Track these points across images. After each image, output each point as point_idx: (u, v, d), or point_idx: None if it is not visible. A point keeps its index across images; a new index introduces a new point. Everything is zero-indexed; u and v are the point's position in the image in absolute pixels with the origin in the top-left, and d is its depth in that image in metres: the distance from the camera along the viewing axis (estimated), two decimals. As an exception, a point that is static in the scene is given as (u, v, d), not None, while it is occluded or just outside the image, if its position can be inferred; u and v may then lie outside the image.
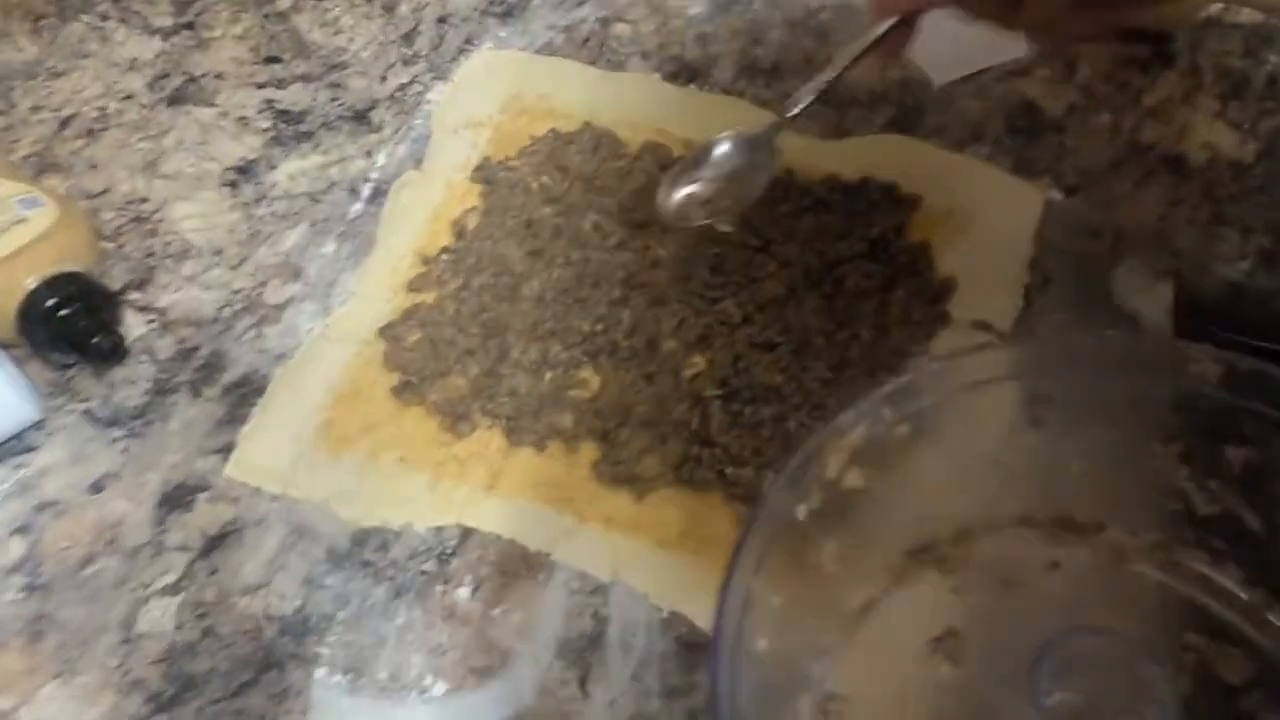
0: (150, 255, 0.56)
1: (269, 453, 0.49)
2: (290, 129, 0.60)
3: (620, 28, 0.63)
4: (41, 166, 0.59)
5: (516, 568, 0.45)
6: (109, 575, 0.46)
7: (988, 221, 0.52)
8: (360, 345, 0.52)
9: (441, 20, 0.64)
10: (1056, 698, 0.35)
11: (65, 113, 0.62)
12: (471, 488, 0.47)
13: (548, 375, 0.50)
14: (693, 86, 0.60)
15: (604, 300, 0.51)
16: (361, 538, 0.46)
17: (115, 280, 0.54)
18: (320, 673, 0.43)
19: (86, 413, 0.50)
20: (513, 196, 0.56)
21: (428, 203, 0.56)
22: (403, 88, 0.62)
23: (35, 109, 0.62)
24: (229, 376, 0.51)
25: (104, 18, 0.66)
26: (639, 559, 0.45)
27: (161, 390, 0.51)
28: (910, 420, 0.38)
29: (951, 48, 0.59)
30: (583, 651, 0.43)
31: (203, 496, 0.48)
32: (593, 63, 0.62)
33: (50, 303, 0.49)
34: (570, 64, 0.62)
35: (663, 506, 0.46)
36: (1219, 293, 0.52)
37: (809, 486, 0.37)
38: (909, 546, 0.40)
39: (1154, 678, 0.35)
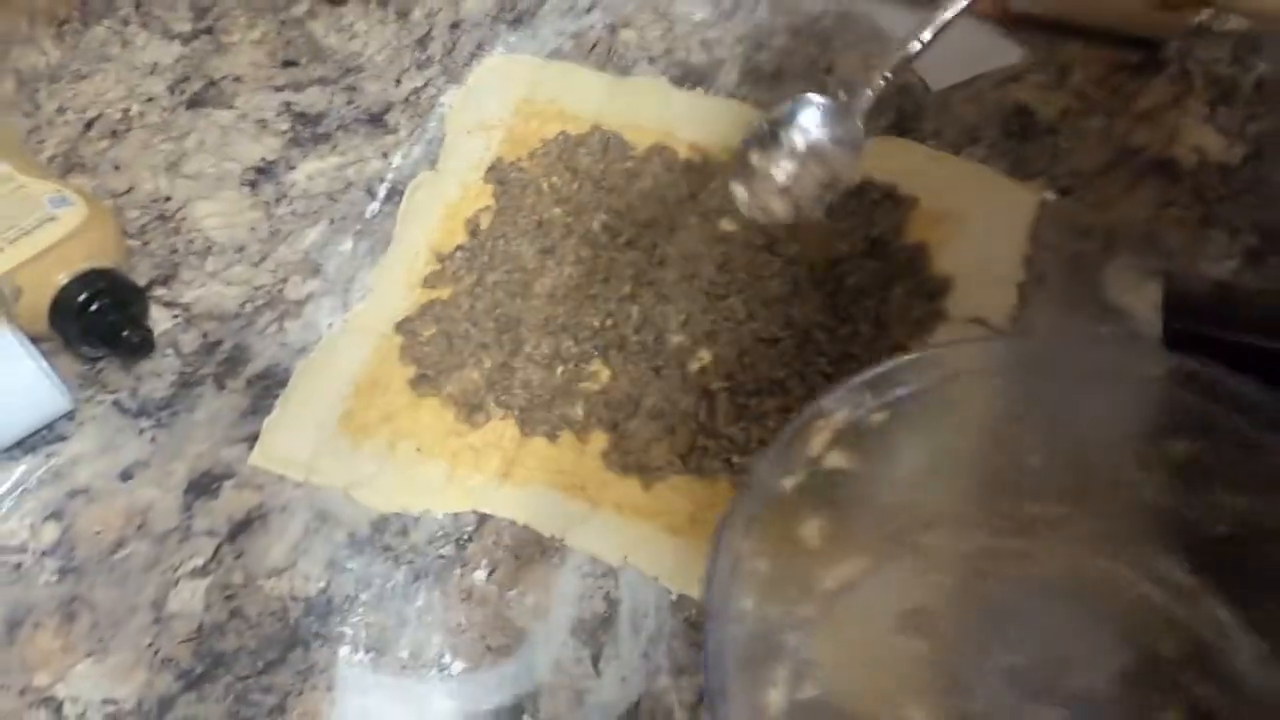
0: (174, 252, 0.58)
1: (292, 442, 0.50)
2: (308, 131, 0.62)
3: (627, 34, 0.65)
4: (67, 167, 0.61)
5: (531, 552, 0.47)
6: (139, 559, 0.48)
7: (984, 222, 0.54)
8: (378, 339, 0.54)
9: (454, 26, 0.66)
10: (1015, 659, 0.36)
11: (89, 114, 0.64)
12: (487, 476, 0.49)
13: (559, 368, 0.52)
14: (698, 90, 0.62)
15: (613, 296, 0.53)
16: (382, 523, 0.48)
17: (141, 276, 0.56)
18: (344, 651, 0.45)
19: (115, 404, 0.52)
20: (524, 196, 0.58)
21: (442, 202, 0.58)
22: (417, 91, 0.64)
23: (60, 111, 0.64)
24: (252, 369, 0.53)
25: (125, 23, 0.68)
26: (648, 544, 0.46)
27: (187, 383, 0.53)
28: (889, 407, 0.39)
29: (948, 54, 0.61)
30: (595, 631, 0.44)
31: (229, 484, 0.49)
32: (601, 68, 0.64)
33: (81, 298, 0.51)
34: (579, 69, 0.64)
35: (671, 494, 0.48)
36: (1207, 291, 0.54)
37: (794, 462, 0.38)
38: (886, 530, 0.41)
39: (1101, 647, 0.37)
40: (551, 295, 0.54)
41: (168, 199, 0.60)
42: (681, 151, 0.59)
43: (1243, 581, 0.38)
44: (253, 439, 0.51)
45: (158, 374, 0.53)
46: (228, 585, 0.47)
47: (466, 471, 0.49)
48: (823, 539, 0.39)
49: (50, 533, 0.49)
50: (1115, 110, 0.59)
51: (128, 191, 0.60)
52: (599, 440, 0.50)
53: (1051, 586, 0.40)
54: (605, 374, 0.51)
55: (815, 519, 0.39)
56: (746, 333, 0.51)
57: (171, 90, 0.65)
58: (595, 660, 0.44)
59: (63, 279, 0.51)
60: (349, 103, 0.63)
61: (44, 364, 0.50)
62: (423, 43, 0.66)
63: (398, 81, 0.64)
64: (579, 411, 0.50)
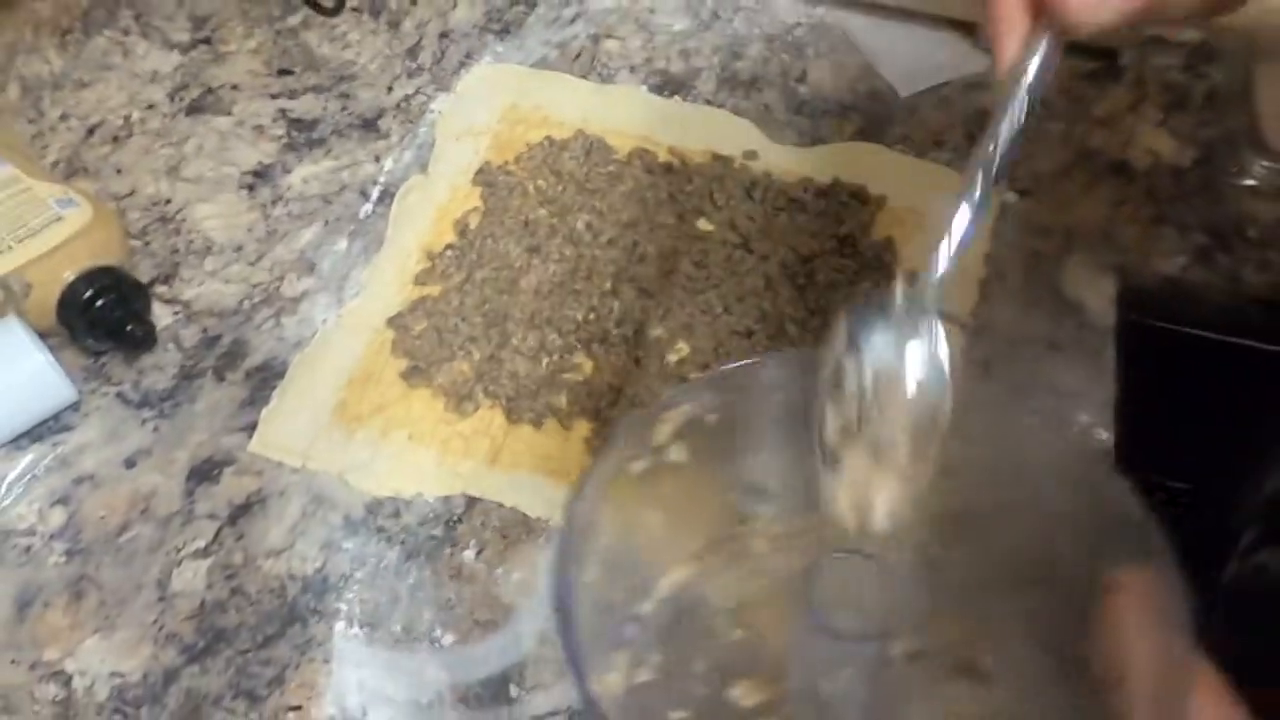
0: (175, 252, 0.60)
1: (289, 430, 0.53)
2: (303, 136, 0.65)
3: (609, 44, 0.68)
4: (70, 171, 0.64)
5: (517, 532, 0.49)
6: (144, 541, 0.50)
7: (941, 219, 0.57)
8: (371, 334, 0.56)
9: (443, 36, 0.69)
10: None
11: (92, 121, 0.66)
12: (475, 461, 0.51)
13: (545, 360, 0.54)
14: (677, 98, 0.65)
15: (596, 292, 0.56)
16: (375, 506, 0.50)
17: (142, 275, 0.58)
18: (340, 626, 0.47)
19: (119, 395, 0.55)
20: (511, 198, 0.60)
21: (432, 204, 0.61)
22: (407, 98, 0.66)
23: (64, 117, 0.67)
24: (250, 362, 0.55)
25: (125, 33, 0.71)
26: (629, 524, 0.49)
27: (188, 375, 0.55)
28: (719, 410, 0.38)
29: (916, 61, 0.65)
30: (578, 606, 0.47)
31: (229, 470, 0.52)
32: (584, 76, 0.66)
33: (87, 294, 0.53)
34: (563, 77, 0.66)
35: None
36: (1158, 286, 0.57)
37: (644, 445, 0.37)
38: (720, 529, 0.40)
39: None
40: (537, 291, 0.56)
41: (168, 201, 0.62)
42: (661, 155, 0.61)
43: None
44: (251, 428, 0.53)
45: (159, 367, 0.55)
46: (228, 565, 0.49)
47: (456, 458, 0.52)
48: (662, 529, 0.39)
49: (58, 517, 0.51)
50: (1074, 115, 0.62)
51: (129, 194, 0.63)
52: (583, 427, 0.52)
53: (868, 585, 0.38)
54: (588, 365, 0.54)
55: (657, 507, 0.39)
56: (722, 325, 0.54)
57: (171, 97, 0.67)
58: (578, 632, 0.46)
59: (69, 276, 0.54)
60: (342, 109, 0.66)
61: (51, 357, 0.52)
62: (413, 52, 0.68)
63: (389, 89, 0.67)
64: (563, 400, 0.53)
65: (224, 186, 0.63)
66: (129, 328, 0.54)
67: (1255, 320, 0.57)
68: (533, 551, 0.49)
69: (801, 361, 0.39)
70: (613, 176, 0.61)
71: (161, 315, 0.57)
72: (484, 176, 0.61)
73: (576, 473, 0.51)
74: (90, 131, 0.66)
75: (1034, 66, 0.35)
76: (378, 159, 0.63)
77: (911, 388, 0.34)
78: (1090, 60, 0.64)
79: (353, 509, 0.50)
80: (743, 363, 0.39)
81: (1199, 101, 0.63)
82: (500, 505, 0.50)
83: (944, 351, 0.34)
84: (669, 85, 0.66)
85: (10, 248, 0.53)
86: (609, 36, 0.68)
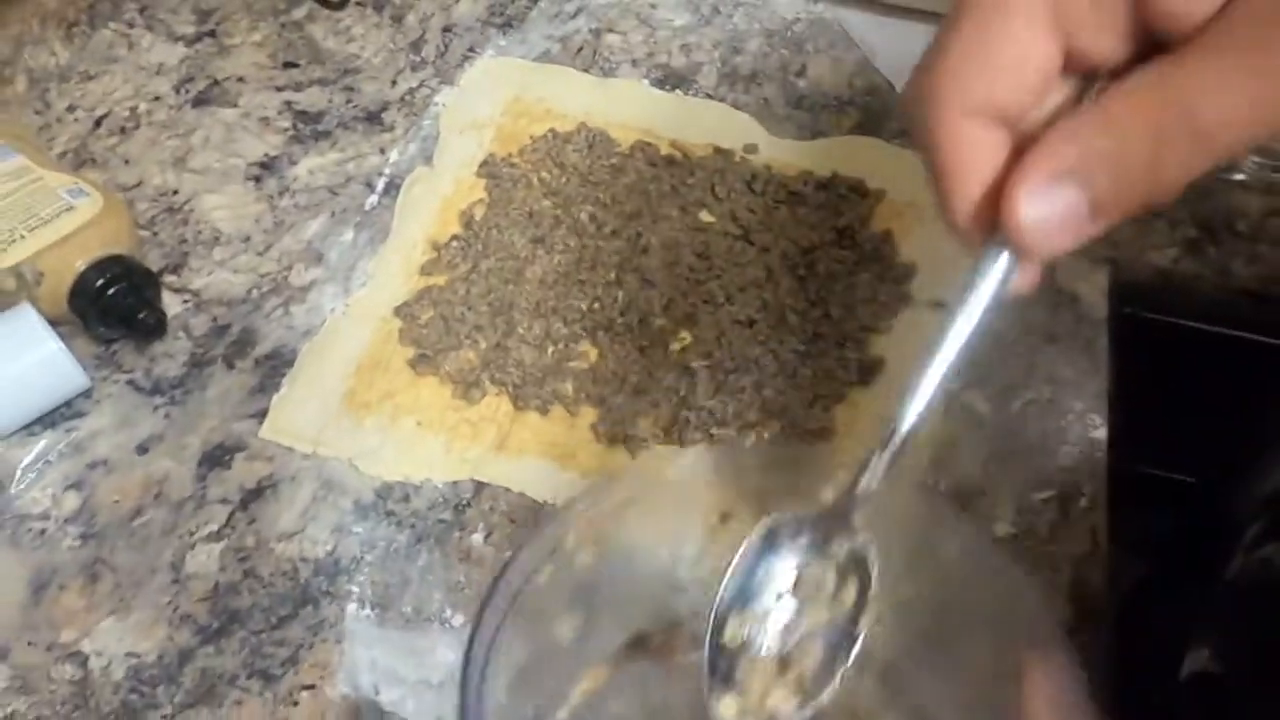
0: (183, 242, 0.61)
1: (299, 417, 0.54)
2: (309, 128, 0.66)
3: (611, 38, 0.69)
4: (78, 162, 0.64)
5: (525, 516, 0.50)
6: (157, 525, 0.51)
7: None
8: (379, 322, 0.57)
9: (446, 30, 0.70)
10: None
11: (98, 112, 0.67)
12: (483, 447, 0.52)
13: (550, 348, 0.55)
14: (678, 92, 0.66)
15: (600, 282, 0.57)
16: (385, 491, 0.51)
17: (152, 264, 0.59)
18: (351, 607, 0.48)
19: (130, 383, 0.55)
20: (515, 190, 0.61)
21: (437, 195, 0.62)
22: (411, 92, 0.67)
23: (70, 109, 0.67)
24: (260, 350, 0.56)
25: (131, 25, 0.71)
26: (634, 508, 0.50)
27: (198, 363, 0.56)
28: (622, 506, 0.38)
29: (913, 57, 0.65)
30: (585, 588, 0.48)
31: (240, 455, 0.53)
32: (586, 70, 0.67)
33: (99, 283, 0.54)
34: (566, 71, 0.67)
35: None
36: (1150, 278, 0.58)
37: (551, 552, 0.37)
38: (630, 633, 0.40)
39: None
40: (542, 281, 0.57)
41: (175, 192, 0.63)
42: (662, 148, 0.62)
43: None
44: (262, 415, 0.54)
45: (170, 355, 0.56)
46: (241, 548, 0.50)
47: (464, 444, 0.52)
48: (574, 636, 0.38)
49: (71, 501, 0.52)
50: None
51: (137, 185, 0.63)
52: (588, 414, 0.53)
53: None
54: (593, 353, 0.55)
55: (568, 615, 0.38)
56: (724, 315, 0.55)
57: (177, 90, 0.68)
58: (586, 614, 0.47)
59: (81, 265, 0.54)
60: (347, 102, 0.67)
61: (63, 344, 0.53)
62: (416, 46, 0.69)
63: (393, 82, 0.68)
64: (569, 388, 0.54)
65: (231, 178, 0.64)
66: (141, 315, 0.54)
67: (1245, 312, 0.58)
68: (540, 535, 0.50)
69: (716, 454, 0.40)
70: (615, 169, 0.62)
71: (171, 304, 0.58)
72: (488, 169, 0.62)
73: (583, 458, 0.52)
74: (97, 123, 0.67)
75: (990, 282, 0.29)
76: (383, 151, 0.64)
77: (833, 600, 0.33)
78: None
79: (363, 494, 0.51)
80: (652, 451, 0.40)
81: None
82: (508, 490, 0.51)
83: (871, 563, 0.33)
84: (670, 79, 0.67)
85: (22, 237, 0.54)
86: (610, 31, 0.69)
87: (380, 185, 0.63)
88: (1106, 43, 0.27)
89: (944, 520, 0.39)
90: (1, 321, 0.52)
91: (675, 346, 0.55)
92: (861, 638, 0.33)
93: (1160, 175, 0.26)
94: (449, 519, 0.50)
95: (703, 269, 0.57)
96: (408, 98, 0.67)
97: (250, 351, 0.56)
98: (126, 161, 0.65)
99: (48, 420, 0.54)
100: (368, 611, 0.48)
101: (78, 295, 0.54)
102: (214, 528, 0.51)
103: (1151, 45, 0.27)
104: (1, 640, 0.48)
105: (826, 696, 0.33)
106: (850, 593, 0.33)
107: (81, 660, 0.47)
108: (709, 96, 0.65)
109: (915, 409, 0.31)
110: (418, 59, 0.69)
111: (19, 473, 0.52)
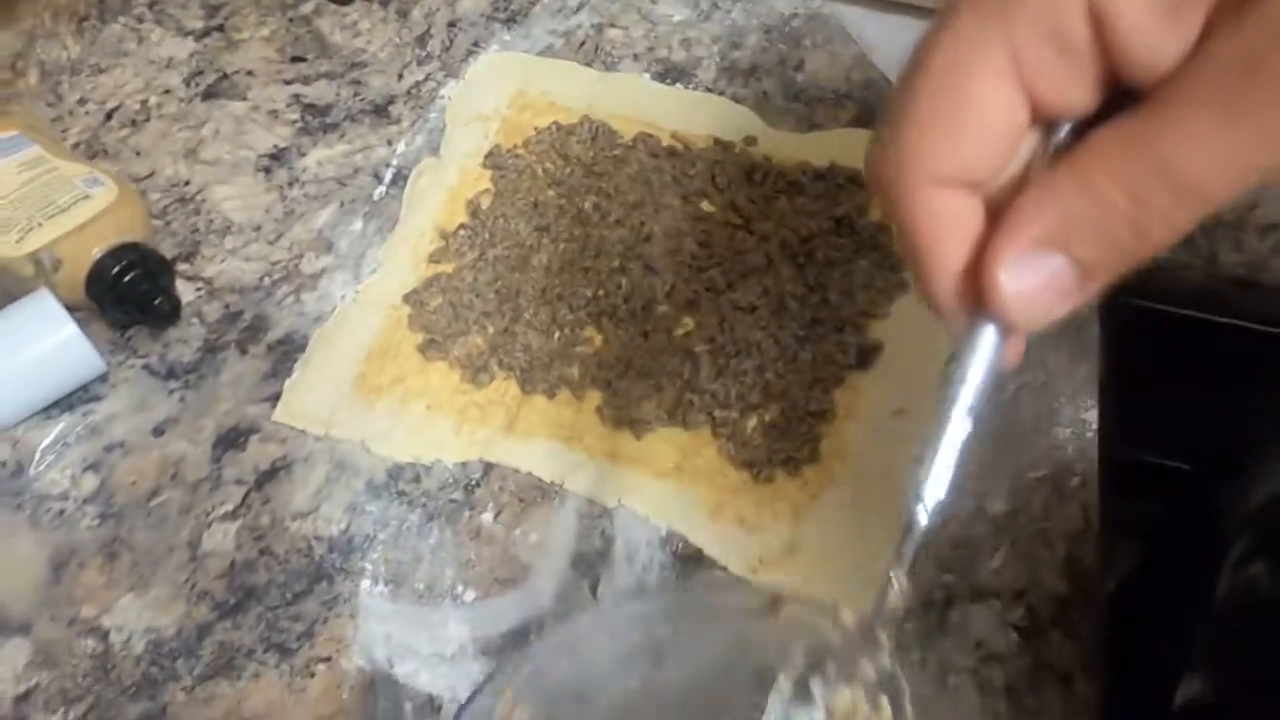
0: (195, 231, 0.62)
1: (311, 400, 0.55)
2: (317, 121, 0.67)
3: (613, 33, 0.70)
4: (90, 153, 0.66)
5: (533, 496, 0.52)
6: (174, 504, 0.52)
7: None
8: (388, 309, 0.58)
9: (451, 25, 0.71)
10: None
11: (109, 105, 0.68)
12: (492, 430, 0.54)
13: (556, 334, 0.57)
14: (678, 86, 0.67)
15: (604, 269, 0.58)
16: (396, 472, 0.53)
17: (165, 253, 0.60)
18: (365, 584, 0.49)
19: (145, 367, 0.57)
20: (521, 180, 0.62)
21: (444, 186, 0.63)
22: (418, 85, 0.69)
23: (81, 101, 0.68)
24: (272, 336, 0.58)
25: (140, 20, 0.73)
26: (640, 487, 0.51)
27: (211, 348, 0.57)
28: (565, 664, 0.38)
29: (909, 52, 0.67)
30: (592, 564, 0.49)
31: (254, 438, 0.54)
32: (588, 64, 0.69)
33: (115, 269, 0.55)
34: (569, 65, 0.69)
35: (659, 444, 0.53)
36: (1140, 266, 0.60)
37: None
38: None
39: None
40: (548, 268, 0.59)
41: (187, 183, 0.64)
42: (664, 140, 0.64)
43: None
44: (274, 399, 0.55)
45: (184, 341, 0.58)
46: (256, 527, 0.51)
47: (473, 426, 0.54)
48: None
49: (89, 482, 0.53)
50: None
51: (149, 176, 0.65)
52: (594, 398, 0.54)
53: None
54: (598, 338, 0.56)
55: None
56: (726, 301, 0.57)
57: (187, 83, 0.69)
58: (594, 588, 0.49)
59: (97, 252, 0.56)
60: (355, 95, 0.68)
61: (80, 328, 0.54)
62: (422, 40, 0.71)
63: (399, 76, 0.69)
64: (575, 372, 0.55)
65: (241, 169, 0.65)
66: (156, 301, 0.56)
67: (1231, 298, 0.60)
68: (548, 514, 0.51)
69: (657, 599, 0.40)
70: (618, 160, 0.63)
71: (184, 291, 0.59)
72: (494, 160, 0.64)
73: (589, 440, 0.53)
74: (108, 116, 0.68)
75: (981, 361, 0.28)
76: (390, 143, 0.66)
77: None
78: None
79: (375, 474, 0.52)
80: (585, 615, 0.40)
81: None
82: (516, 471, 0.52)
83: (901, 691, 0.32)
84: (670, 74, 0.68)
85: (40, 224, 0.55)
86: (612, 25, 0.70)
87: (388, 176, 0.64)
88: (1073, 94, 0.26)
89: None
90: (20, 306, 0.53)
91: (678, 332, 0.56)
92: None
93: (1145, 234, 0.25)
94: (459, 498, 0.52)
95: (704, 257, 0.58)
96: (414, 91, 0.68)
97: (262, 337, 0.58)
98: (138, 153, 0.66)
99: (65, 404, 0.55)
100: (381, 588, 0.49)
101: (94, 282, 0.55)
102: (230, 507, 0.52)
103: (1120, 91, 0.25)
104: (24, 616, 0.49)
105: None
106: (885, 713, 0.32)
107: (102, 635, 0.48)
108: (709, 90, 0.67)
109: (927, 507, 0.29)
110: (423, 53, 0.70)
111: (38, 454, 0.54)
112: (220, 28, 0.72)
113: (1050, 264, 0.25)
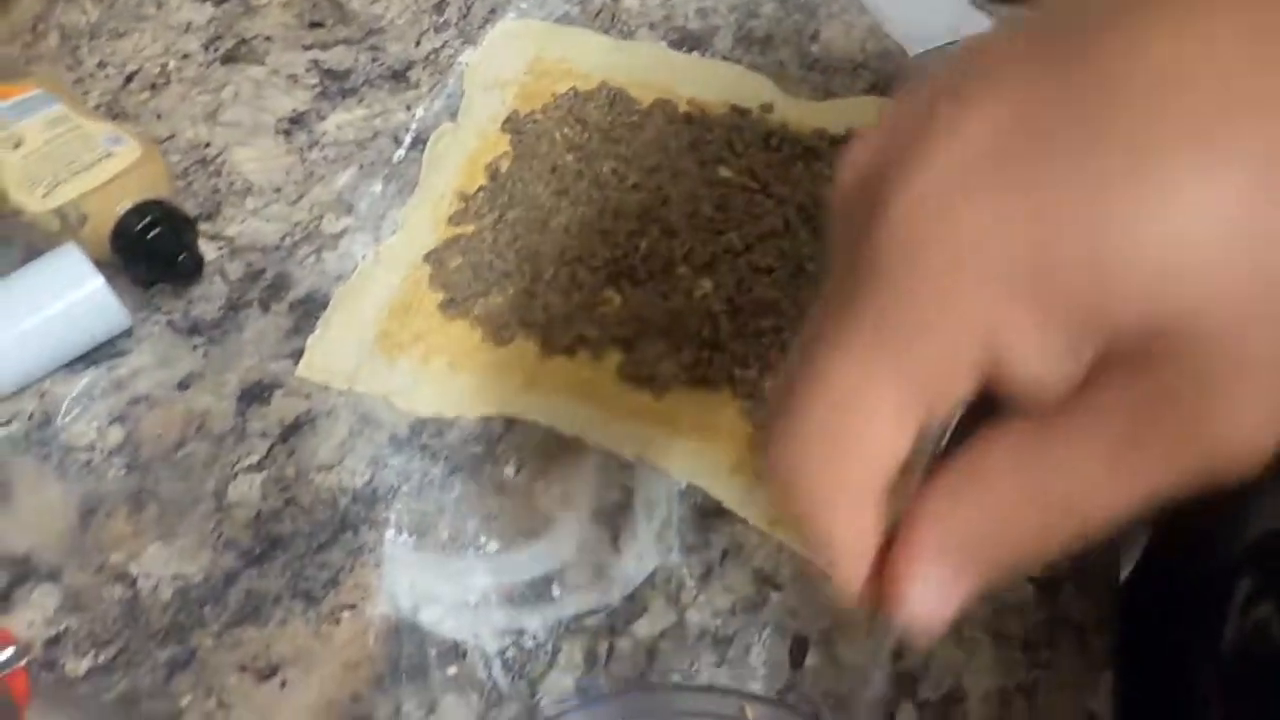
0: (216, 192, 0.63)
1: (334, 356, 0.56)
2: (335, 86, 0.68)
3: (629, 1, 0.71)
4: (111, 115, 0.66)
5: (555, 450, 0.52)
6: (199, 456, 0.53)
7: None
8: (409, 269, 0.59)
9: (469, -7, 0.72)
10: None
11: (129, 69, 0.69)
12: (513, 386, 0.54)
13: (576, 294, 0.57)
14: (695, 54, 0.68)
15: (623, 231, 0.59)
16: (419, 426, 0.53)
17: (187, 213, 0.61)
18: (390, 534, 0.50)
19: (169, 324, 0.57)
20: (539, 144, 0.63)
21: (463, 150, 0.64)
22: (435, 51, 0.69)
23: (101, 65, 0.69)
24: (294, 294, 0.58)
25: (158, -15, 0.73)
26: (659, 443, 0.52)
27: (234, 306, 0.58)
28: None
29: (923, 22, 0.68)
30: (613, 516, 0.50)
31: (278, 392, 0.55)
32: (605, 32, 0.69)
33: (139, 225, 0.56)
34: (585, 32, 0.69)
35: (678, 402, 0.53)
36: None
37: None
38: None
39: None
40: (567, 230, 0.59)
41: (207, 145, 0.65)
42: (681, 106, 0.64)
43: None
44: (297, 355, 0.56)
45: (207, 298, 0.58)
46: (281, 479, 0.52)
47: (494, 382, 0.54)
48: None
49: (116, 434, 0.54)
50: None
51: (169, 138, 0.65)
52: (613, 357, 0.55)
53: None
54: (617, 299, 0.57)
55: None
56: (743, 263, 0.57)
57: (206, 48, 0.70)
58: (614, 540, 0.49)
59: (122, 208, 0.56)
60: (373, 60, 0.69)
61: (106, 281, 0.54)
62: (440, 8, 0.71)
63: (417, 42, 0.70)
64: (594, 332, 0.56)
65: (261, 132, 0.65)
66: (181, 257, 0.56)
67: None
68: (570, 468, 0.52)
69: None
70: (635, 126, 0.64)
71: (206, 250, 0.60)
72: (512, 124, 0.64)
73: (609, 398, 0.54)
74: (128, 79, 0.68)
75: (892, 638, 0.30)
76: (408, 108, 0.66)
77: None
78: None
79: (398, 428, 0.53)
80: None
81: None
82: (537, 426, 0.53)
83: None
84: (687, 42, 0.69)
85: (66, 180, 0.56)
86: (629, -5, 0.71)
87: (407, 140, 0.65)
88: (958, 409, 0.26)
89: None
90: (48, 260, 0.54)
91: (697, 293, 0.57)
92: None
93: (1046, 540, 0.25)
94: (481, 452, 0.52)
95: (722, 220, 0.59)
96: (432, 57, 0.69)
97: (284, 295, 0.58)
98: (158, 116, 0.66)
99: (91, 358, 0.56)
100: (405, 538, 0.50)
101: (120, 237, 0.56)
102: (255, 459, 0.52)
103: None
104: (53, 562, 0.50)
105: None
106: None
107: (130, 581, 0.49)
108: (725, 58, 0.67)
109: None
110: (440, 20, 0.71)
111: (64, 406, 0.54)
112: (238, -7, 0.73)
113: (950, 573, 0.26)
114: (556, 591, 0.48)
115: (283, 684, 0.46)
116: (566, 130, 0.64)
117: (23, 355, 0.54)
